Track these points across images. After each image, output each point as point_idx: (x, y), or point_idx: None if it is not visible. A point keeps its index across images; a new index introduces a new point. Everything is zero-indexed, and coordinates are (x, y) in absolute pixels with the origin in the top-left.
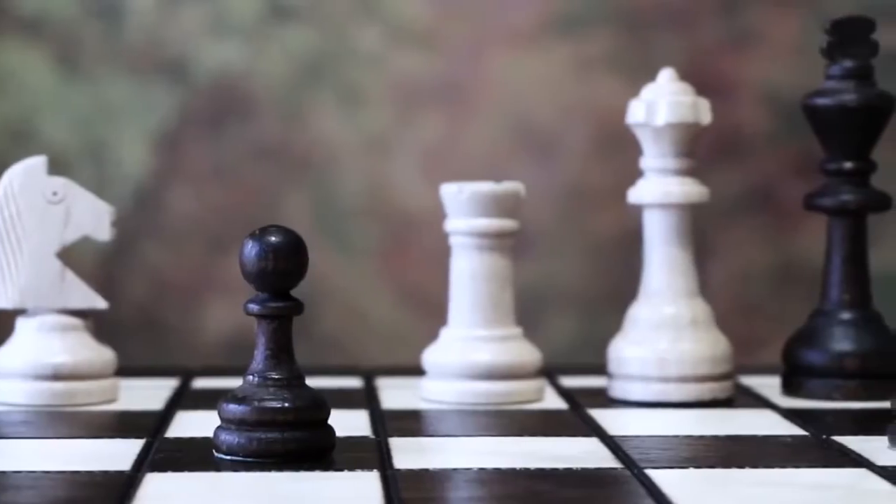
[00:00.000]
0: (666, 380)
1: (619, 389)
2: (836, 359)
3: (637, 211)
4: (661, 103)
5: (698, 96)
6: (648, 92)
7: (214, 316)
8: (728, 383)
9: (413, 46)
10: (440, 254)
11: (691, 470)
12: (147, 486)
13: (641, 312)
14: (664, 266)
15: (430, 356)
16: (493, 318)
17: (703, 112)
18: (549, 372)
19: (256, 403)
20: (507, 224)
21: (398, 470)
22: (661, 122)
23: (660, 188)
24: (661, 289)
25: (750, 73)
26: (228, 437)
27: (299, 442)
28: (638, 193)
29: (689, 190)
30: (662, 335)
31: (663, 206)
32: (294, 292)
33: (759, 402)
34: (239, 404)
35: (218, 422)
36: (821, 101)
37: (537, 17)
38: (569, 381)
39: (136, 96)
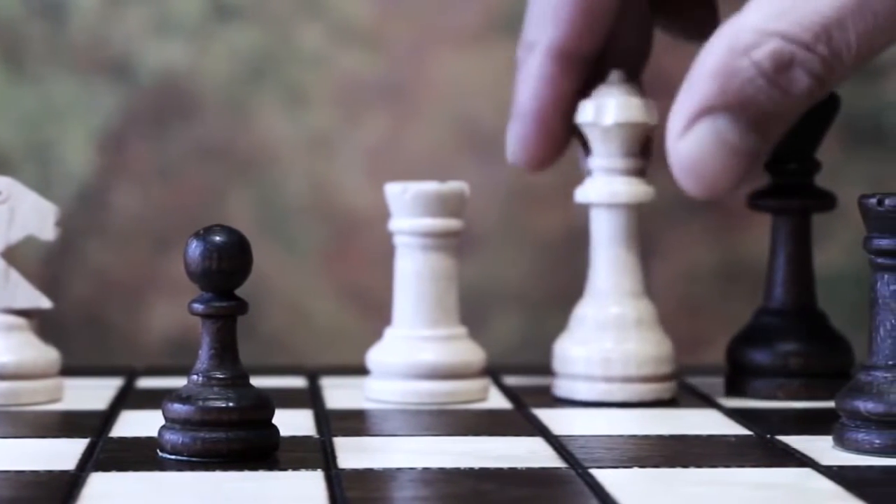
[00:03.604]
0: (610, 380)
1: (563, 388)
2: (780, 358)
3: (583, 210)
4: (610, 103)
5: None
6: (598, 92)
7: (159, 315)
8: (671, 384)
9: (357, 46)
10: (384, 253)
11: (636, 469)
12: (91, 485)
13: (587, 312)
14: (610, 266)
15: (375, 356)
16: (437, 318)
17: (652, 112)
18: (493, 371)
19: (201, 403)
20: (451, 224)
21: (342, 469)
22: (610, 122)
23: (607, 188)
24: (607, 289)
25: None
26: (173, 437)
27: (243, 441)
28: (585, 193)
29: (635, 190)
30: (608, 335)
31: (610, 206)
32: (238, 292)
33: (703, 401)
34: (183, 404)
35: (162, 421)
36: None
37: (481, 16)
38: (513, 381)
39: (80, 96)
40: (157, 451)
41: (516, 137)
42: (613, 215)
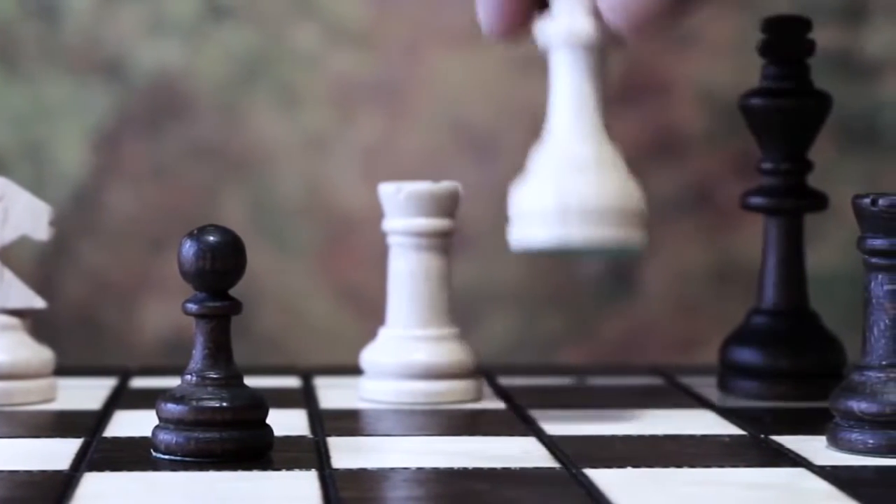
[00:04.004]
0: (568, 223)
1: (519, 235)
2: (771, 359)
3: None
4: None
5: None
6: None
7: (153, 315)
8: (637, 229)
9: (351, 46)
10: (378, 253)
11: (629, 469)
12: (85, 485)
13: (545, 153)
14: (571, 106)
15: (368, 356)
16: (430, 318)
17: None
18: (486, 371)
19: (194, 403)
20: (444, 224)
21: (336, 469)
22: None
23: (569, 26)
24: (566, 128)
25: (687, 73)
26: (166, 437)
27: (237, 441)
28: (546, 31)
29: (600, 30)
30: (566, 176)
31: (572, 45)
32: (232, 292)
33: (696, 401)
34: (177, 404)
35: (156, 421)
36: (757, 100)
37: (475, 16)
38: (507, 381)
39: (74, 96)
40: (151, 451)
41: (486, 5)
42: (576, 54)
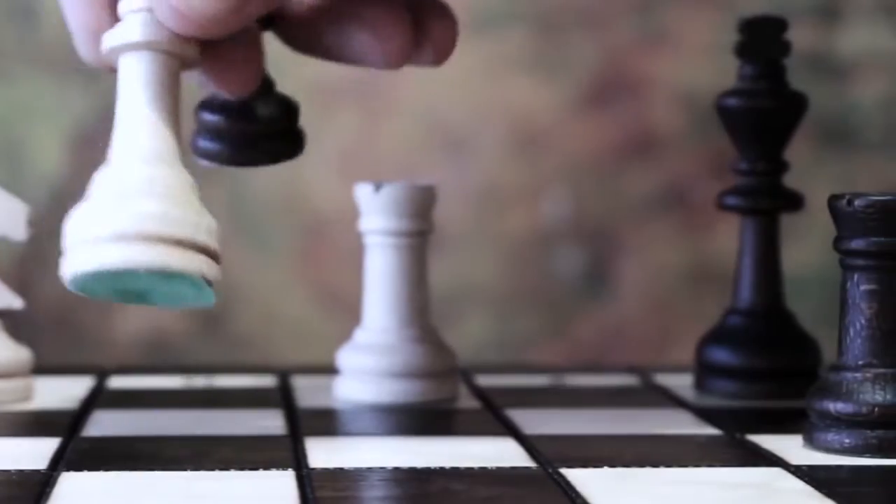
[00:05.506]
0: (121, 247)
1: (70, 263)
2: (747, 359)
3: (552, 210)
4: None
5: None
6: None
7: (130, 315)
8: (195, 259)
9: None
10: (355, 253)
11: (606, 469)
12: (63, 485)
13: (105, 176)
14: (135, 124)
15: (345, 355)
16: (407, 318)
17: None
18: (463, 371)
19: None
20: (421, 223)
21: (313, 469)
22: None
23: (125, 31)
24: (130, 149)
25: (664, 73)
26: (206, 144)
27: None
28: (108, 41)
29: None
30: (122, 203)
31: (131, 51)
32: None
33: (672, 401)
34: (213, 113)
35: (137, 421)
36: (733, 101)
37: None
38: (483, 381)
39: (52, 95)
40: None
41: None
42: (141, 63)
